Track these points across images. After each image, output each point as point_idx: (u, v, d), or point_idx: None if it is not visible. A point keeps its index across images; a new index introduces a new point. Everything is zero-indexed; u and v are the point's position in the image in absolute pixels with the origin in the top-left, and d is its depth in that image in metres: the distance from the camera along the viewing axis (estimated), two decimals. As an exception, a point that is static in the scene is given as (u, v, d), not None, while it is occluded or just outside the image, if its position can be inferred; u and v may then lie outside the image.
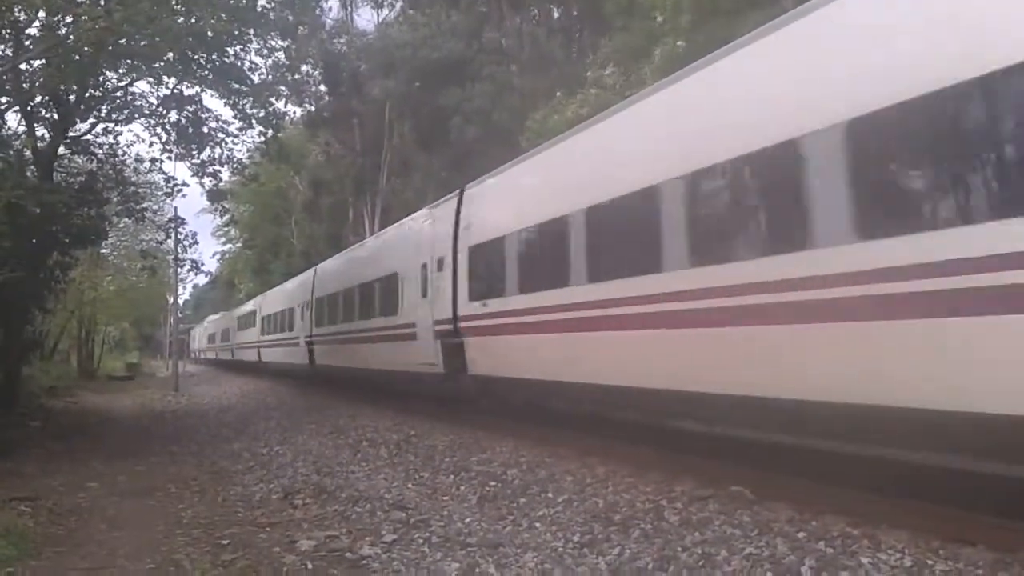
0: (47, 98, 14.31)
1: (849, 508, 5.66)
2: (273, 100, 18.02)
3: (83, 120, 15.88)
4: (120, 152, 17.89)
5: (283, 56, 18.83)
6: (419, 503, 7.21)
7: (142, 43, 12.88)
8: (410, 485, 8.14)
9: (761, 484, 6.63)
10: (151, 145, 18.10)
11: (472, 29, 32.91)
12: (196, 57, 15.20)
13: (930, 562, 4.60)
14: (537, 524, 6.22)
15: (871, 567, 4.62)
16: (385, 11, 41.94)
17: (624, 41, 23.49)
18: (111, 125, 16.87)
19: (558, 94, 25.25)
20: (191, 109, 16.73)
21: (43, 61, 13.43)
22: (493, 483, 7.88)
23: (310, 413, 16.30)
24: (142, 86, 16.60)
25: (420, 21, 34.86)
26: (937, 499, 5.47)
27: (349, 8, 41.14)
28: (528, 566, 5.16)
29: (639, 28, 22.72)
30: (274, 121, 17.90)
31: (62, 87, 13.76)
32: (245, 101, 17.04)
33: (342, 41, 39.22)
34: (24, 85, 13.66)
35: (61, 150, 15.69)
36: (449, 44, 31.90)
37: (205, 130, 17.12)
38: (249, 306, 40.74)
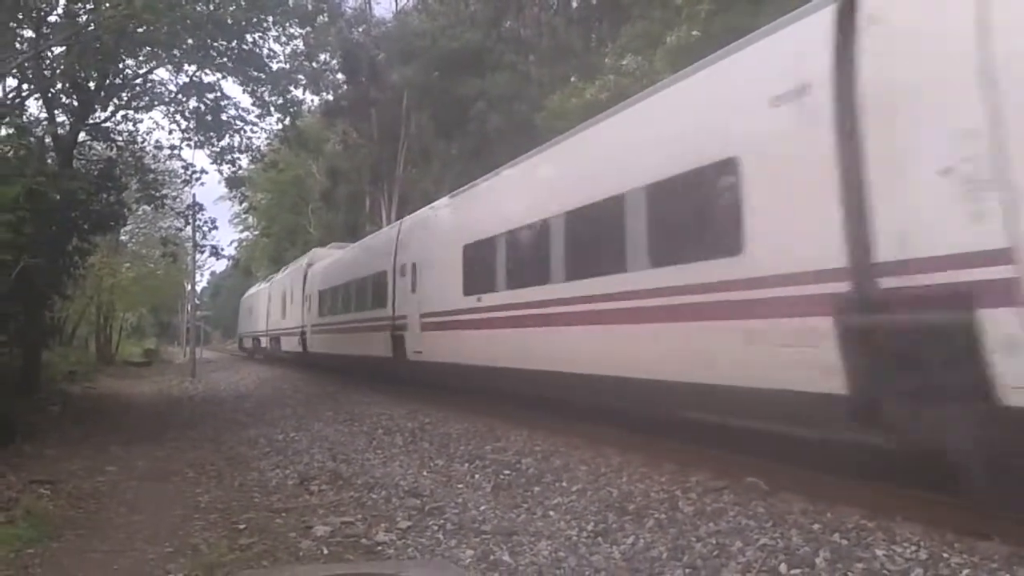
0: (68, 85, 14.40)
1: (863, 500, 5.65)
2: (291, 88, 18.09)
3: (103, 107, 15.99)
4: (139, 139, 18.00)
5: (302, 44, 18.88)
6: (434, 490, 7.24)
7: (162, 30, 12.94)
8: (425, 472, 8.17)
9: (776, 475, 6.63)
10: (170, 132, 18.23)
11: (491, 19, 32.91)
12: (215, 44, 15.26)
13: (945, 555, 4.58)
14: (551, 512, 6.24)
15: (886, 559, 4.61)
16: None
17: (643, 29, 23.44)
18: (131, 112, 16.97)
19: (573, 79, 25.22)
20: (210, 96, 16.81)
21: (64, 48, 13.53)
22: (507, 471, 7.90)
23: (325, 401, 16.38)
24: (162, 73, 16.76)
25: (439, 10, 34.85)
26: (952, 492, 5.44)
27: (367, -4, 41.12)
28: (542, 554, 5.17)
29: (658, 17, 22.66)
30: (292, 109, 17.97)
31: (82, 74, 13.86)
32: (264, 89, 17.11)
33: (360, 30, 39.22)
34: (45, 72, 13.76)
35: (81, 137, 15.79)
36: (468, 33, 31.91)
37: (224, 117, 17.21)
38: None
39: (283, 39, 17.54)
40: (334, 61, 36.47)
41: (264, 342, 37.63)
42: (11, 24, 13.22)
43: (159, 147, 18.73)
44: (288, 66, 18.31)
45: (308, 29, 18.63)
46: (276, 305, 34.53)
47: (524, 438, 9.75)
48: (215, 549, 5.54)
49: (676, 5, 21.12)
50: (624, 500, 6.44)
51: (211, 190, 52.55)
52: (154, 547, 5.69)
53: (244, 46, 15.85)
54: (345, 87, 38.55)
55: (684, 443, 8.19)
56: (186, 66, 16.18)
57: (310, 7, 17.75)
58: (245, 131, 17.79)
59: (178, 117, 17.32)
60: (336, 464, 8.79)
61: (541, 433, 9.96)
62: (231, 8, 14.24)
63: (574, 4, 34.39)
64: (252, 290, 47.34)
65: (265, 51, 16.77)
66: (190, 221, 22.73)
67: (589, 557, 5.09)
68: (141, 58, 15.58)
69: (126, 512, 6.98)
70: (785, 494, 6.17)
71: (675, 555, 5.01)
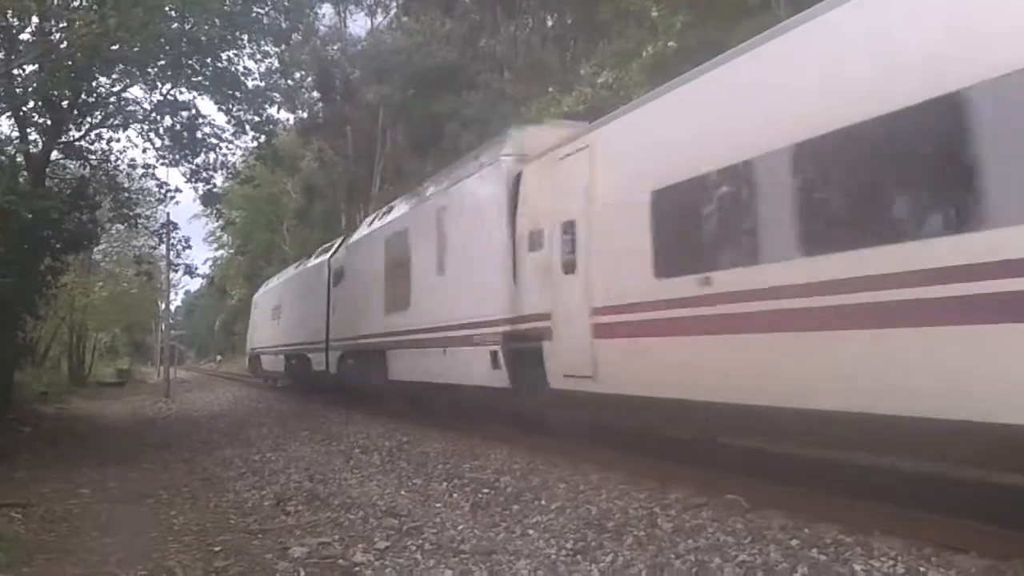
0: (40, 103, 14.26)
1: (842, 515, 5.68)
2: (266, 106, 18.06)
3: (76, 126, 15.84)
4: (113, 158, 17.85)
5: (276, 62, 18.83)
6: (412, 510, 7.20)
7: (135, 49, 12.87)
8: (403, 492, 8.13)
9: (755, 492, 6.64)
10: (144, 151, 18.11)
11: (466, 36, 33.00)
12: (190, 62, 15.20)
13: (923, 569, 4.61)
14: (530, 531, 6.22)
15: (864, 574, 4.63)
16: (379, 17, 41.98)
17: (619, 47, 23.67)
18: (104, 131, 16.83)
19: (550, 90, 25.37)
20: (185, 115, 16.72)
21: (36, 66, 13.42)
22: (486, 490, 7.87)
23: (302, 420, 16.27)
24: (136, 92, 16.60)
25: (414, 28, 34.92)
26: (930, 506, 5.48)
27: (343, 14, 41.17)
28: (521, 573, 5.15)
29: (633, 35, 22.92)
30: (267, 127, 17.93)
31: (55, 93, 13.72)
32: (239, 107, 17.06)
33: (336, 47, 39.24)
34: (17, 90, 13.63)
35: (54, 155, 15.65)
36: (443, 51, 31.98)
37: (199, 135, 17.12)
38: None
39: (258, 57, 17.48)
40: (309, 79, 36.45)
41: (281, 362, 27.31)
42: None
43: (133, 165, 18.58)
44: (263, 84, 18.27)
45: (283, 47, 18.59)
46: (294, 308, 25.75)
47: (503, 456, 9.72)
48: (190, 572, 5.47)
49: (651, 22, 21.38)
50: (603, 518, 6.43)
51: (185, 208, 52.51)
52: (128, 571, 5.60)
53: (219, 64, 15.80)
54: (320, 105, 38.54)
55: (664, 460, 8.20)
56: (160, 84, 16.10)
57: (284, 25, 17.71)
58: (220, 149, 17.72)
59: (152, 135, 17.20)
60: (313, 484, 8.72)
61: (520, 451, 9.93)
62: (205, 26, 14.18)
63: (549, 22, 34.57)
64: (272, 282, 32.70)
65: (240, 69, 16.72)
66: (164, 240, 22.55)
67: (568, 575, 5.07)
68: (115, 76, 15.47)
69: (99, 535, 6.87)
70: (764, 510, 6.17)
71: (654, 572, 5.00)
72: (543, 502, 7.18)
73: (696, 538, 5.63)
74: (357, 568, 5.47)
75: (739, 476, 7.16)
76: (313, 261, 24.81)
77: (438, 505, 7.43)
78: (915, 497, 5.69)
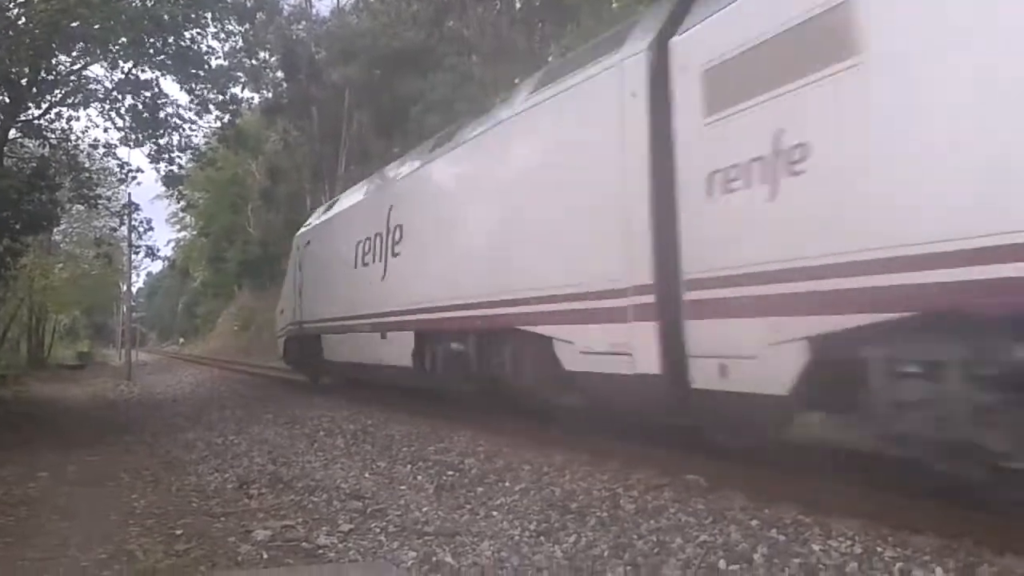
0: (-2, 81, 14.00)
1: (801, 496, 5.76)
2: (230, 85, 17.86)
3: (36, 104, 15.57)
4: (74, 137, 17.58)
5: (241, 41, 18.62)
6: (376, 493, 7.20)
7: (96, 26, 12.65)
8: (367, 475, 8.12)
9: (716, 473, 6.72)
10: (106, 131, 17.86)
11: (433, 18, 32.73)
12: (152, 41, 14.97)
13: (879, 549, 4.70)
14: (494, 513, 6.25)
15: (822, 554, 4.71)
16: (345, -3, 41.53)
17: (587, 30, 23.65)
18: (64, 109, 16.56)
19: (516, 81, 25.30)
20: (147, 94, 16.49)
21: (-7, 43, 13.14)
22: (451, 472, 7.89)
23: (265, 403, 16.16)
24: (97, 70, 16.44)
25: (380, 9, 34.63)
26: (889, 487, 5.59)
27: (308, -7, 40.71)
28: (485, 554, 5.18)
29: (604, 17, 22.93)
30: (232, 107, 17.74)
31: (13, 70, 13.46)
32: (202, 86, 16.86)
33: (301, 27, 38.82)
34: (-27, 68, 13.35)
35: (12, 134, 15.37)
36: (410, 33, 31.72)
37: (162, 115, 16.90)
38: None
39: (222, 36, 17.29)
40: (274, 59, 36.05)
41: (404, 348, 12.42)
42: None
43: (94, 145, 18.30)
44: (227, 63, 18.06)
45: (247, 26, 18.39)
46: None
47: (467, 439, 9.74)
48: (151, 555, 5.44)
49: (612, 4, 21.42)
50: (567, 499, 6.48)
51: (147, 189, 51.86)
52: (87, 554, 5.56)
53: (182, 43, 15.59)
54: (285, 85, 38.11)
55: (627, 442, 8.27)
56: (122, 63, 15.86)
57: (249, 4, 17.52)
58: (184, 129, 17.50)
59: (114, 115, 16.95)
60: (276, 467, 8.68)
61: (485, 434, 9.95)
62: (168, 4, 13.98)
63: (518, 5, 34.42)
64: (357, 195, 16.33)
65: (204, 48, 16.52)
66: (125, 221, 22.25)
67: (531, 556, 5.11)
68: (75, 54, 15.23)
69: (59, 519, 6.81)
70: (725, 491, 6.26)
71: (616, 553, 5.05)
72: (507, 484, 7.22)
73: (658, 519, 5.70)
74: (320, 550, 5.47)
75: (701, 457, 7.24)
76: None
77: (402, 487, 7.44)
78: (875, 478, 5.80)
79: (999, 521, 4.77)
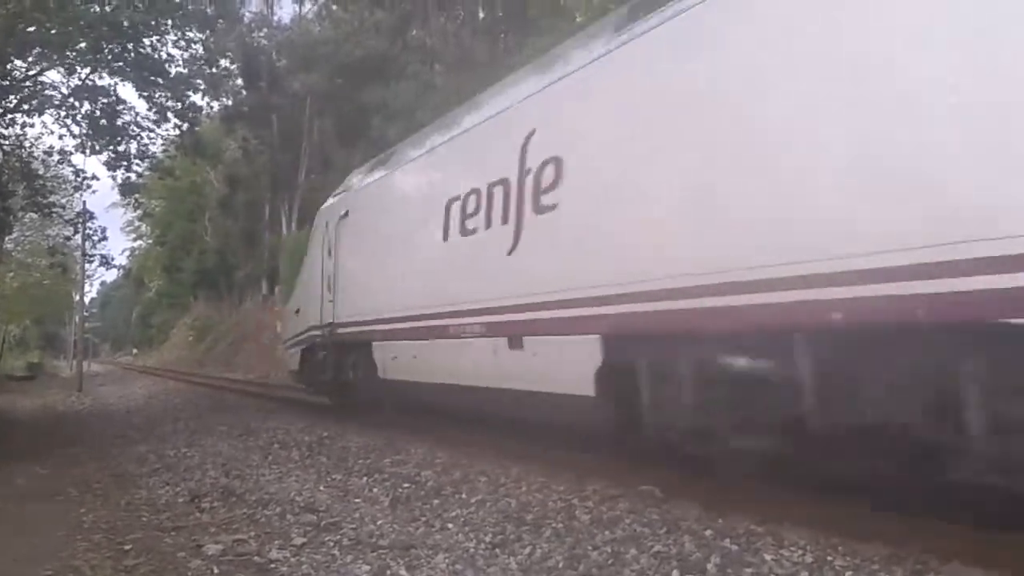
0: (-50, 86, 13.75)
1: (754, 507, 5.84)
2: (190, 93, 17.70)
3: (-11, 110, 15.31)
4: (28, 144, 17.29)
5: (201, 49, 18.44)
6: (330, 505, 7.14)
7: (53, 31, 12.48)
8: (322, 487, 8.04)
9: (671, 483, 6.79)
10: (61, 137, 17.59)
11: (396, 27, 32.74)
12: (111, 47, 14.80)
13: (830, 558, 4.77)
14: (450, 525, 6.23)
15: (774, 563, 4.77)
16: (308, 5, 41.40)
17: (549, 42, 23.81)
18: (19, 116, 16.28)
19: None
20: (105, 101, 16.27)
21: (-55, 46, 12.90)
22: (407, 484, 7.85)
23: (220, 415, 15.95)
24: (53, 76, 16.11)
25: (343, 17, 34.57)
26: (840, 496, 5.68)
27: (269, 1, 40.54)
28: (439, 567, 5.15)
29: (564, 29, 23.07)
30: (191, 115, 17.57)
31: (-33, 75, 13.24)
32: (161, 94, 16.68)
33: (262, 35, 38.60)
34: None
35: (-36, 141, 15.10)
36: (372, 41, 31.67)
37: (120, 123, 16.68)
38: None
39: (182, 44, 17.12)
40: (234, 66, 35.78)
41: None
42: None
43: (49, 152, 17.99)
44: (187, 71, 17.87)
45: (207, 33, 18.22)
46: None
47: (425, 451, 9.70)
48: (99, 571, 5.34)
49: (576, 18, 21.59)
50: (522, 510, 6.48)
51: (103, 197, 51.01)
52: (33, 569, 5.44)
53: (141, 50, 15.42)
54: (245, 93, 37.85)
55: (583, 453, 8.30)
56: (79, 68, 15.64)
57: (210, 11, 17.37)
58: (142, 137, 17.29)
59: (70, 121, 16.69)
60: (229, 480, 8.57)
61: (442, 446, 9.93)
62: (127, 10, 13.82)
63: (481, 15, 34.55)
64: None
65: (163, 56, 16.35)
66: (79, 229, 21.89)
67: (486, 569, 5.09)
68: (31, 59, 14.98)
69: (5, 533, 6.65)
70: (679, 501, 6.32)
71: (571, 564, 5.06)
72: (463, 496, 7.20)
73: (613, 529, 5.73)
74: (273, 565, 5.40)
75: (655, 467, 7.29)
76: None
77: (357, 500, 7.37)
78: (827, 489, 5.88)
79: (945, 529, 4.91)
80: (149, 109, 16.83)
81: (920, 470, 4.89)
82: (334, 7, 37.70)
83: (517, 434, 9.48)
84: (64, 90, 16.30)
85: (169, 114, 17.03)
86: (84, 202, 22.62)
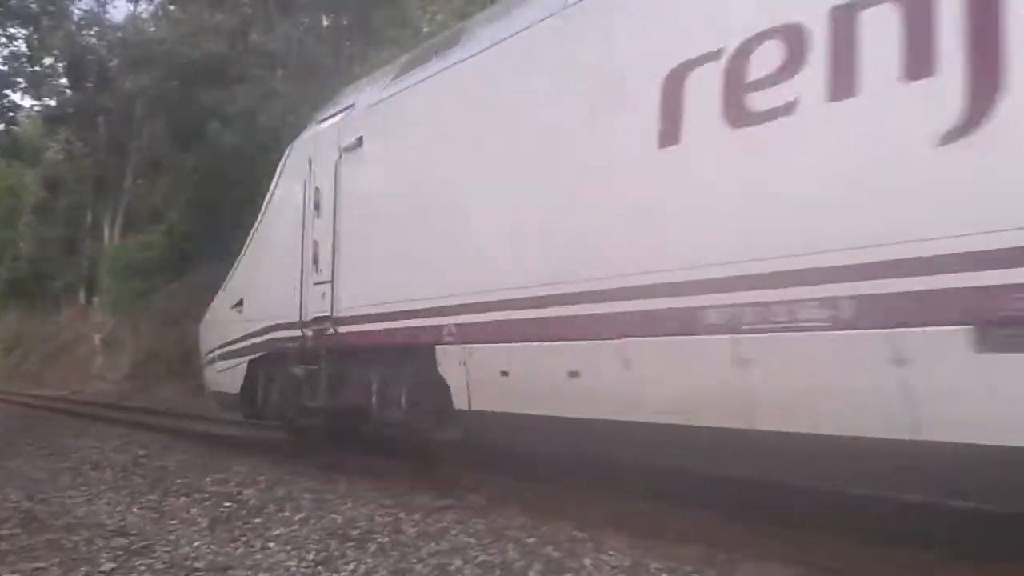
0: None
1: (577, 513, 6.02)
2: (8, 92, 16.59)
3: None
4: None
5: (24, 46, 17.34)
6: (144, 528, 6.77)
7: None
8: (135, 509, 7.62)
9: (497, 491, 6.92)
10: None
11: (237, 30, 31.83)
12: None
13: (646, 561, 4.96)
14: (271, 544, 6.03)
15: (593, 568, 4.92)
16: (143, 4, 39.56)
17: (393, 53, 23.84)
18: None
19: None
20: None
21: None
22: (228, 504, 7.57)
23: (28, 433, 14.86)
24: None
25: (181, 18, 33.33)
26: (659, 497, 5.91)
27: (101, -2, 38.47)
28: (258, 589, 4.99)
29: (410, 41, 23.14)
30: (9, 114, 16.50)
31: None
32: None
33: (92, 33, 36.62)
34: None
35: None
36: (211, 43, 30.65)
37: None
38: None
39: (3, 39, 16.05)
40: (60, 65, 33.82)
41: None
42: None
43: None
44: (7, 68, 16.76)
45: (31, 30, 17.16)
46: None
47: (248, 468, 9.41)
48: None
49: (424, 29, 21.69)
50: (348, 526, 6.38)
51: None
52: None
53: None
54: (70, 93, 35.80)
55: (413, 463, 8.29)
56: None
57: (34, 7, 16.37)
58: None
59: None
60: (32, 504, 7.96)
61: (266, 463, 9.70)
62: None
63: (325, 22, 34.05)
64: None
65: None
66: None
67: (307, 588, 4.98)
68: None
69: None
70: (505, 509, 6.44)
71: (395, 580, 5.02)
72: (287, 513, 7.02)
73: (439, 541, 5.75)
74: (76, 592, 5.07)
75: (484, 475, 7.38)
76: None
77: (174, 522, 7.02)
78: (648, 493, 6.10)
79: (751, 526, 5.31)
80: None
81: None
82: (171, 7, 36.30)
83: (349, 449, 9.38)
84: None
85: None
86: None
